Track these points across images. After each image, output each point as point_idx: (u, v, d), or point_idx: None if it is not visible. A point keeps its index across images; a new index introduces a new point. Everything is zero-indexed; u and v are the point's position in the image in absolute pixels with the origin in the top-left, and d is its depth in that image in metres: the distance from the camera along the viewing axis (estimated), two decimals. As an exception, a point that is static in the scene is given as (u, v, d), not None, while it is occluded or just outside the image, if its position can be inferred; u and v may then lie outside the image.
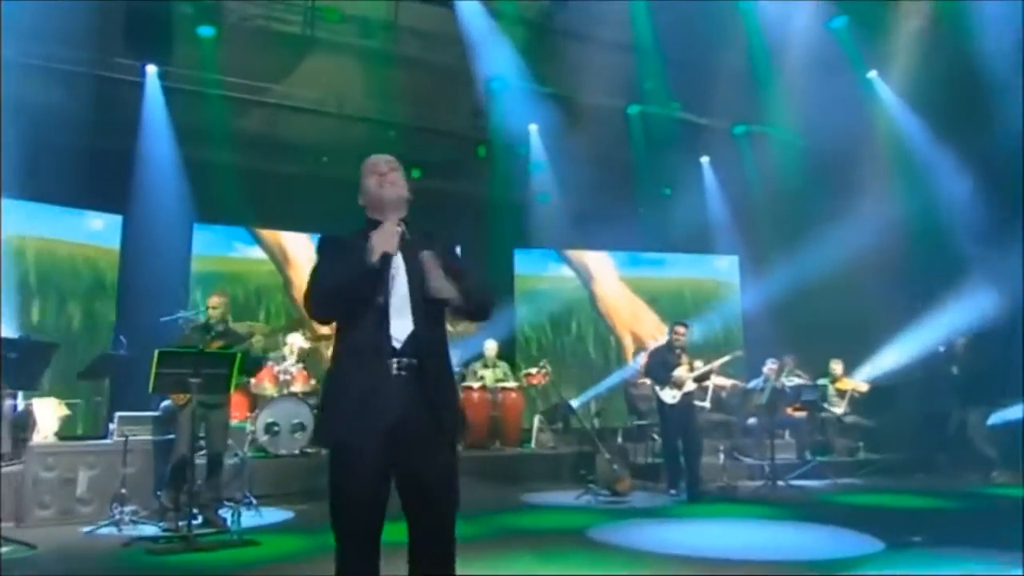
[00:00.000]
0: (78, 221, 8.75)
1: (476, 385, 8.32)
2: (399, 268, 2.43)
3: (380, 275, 2.37)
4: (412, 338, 2.37)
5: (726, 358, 7.57)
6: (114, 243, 8.94)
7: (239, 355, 5.24)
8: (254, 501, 6.25)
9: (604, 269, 11.34)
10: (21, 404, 6.47)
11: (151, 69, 8.33)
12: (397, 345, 2.35)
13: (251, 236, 9.89)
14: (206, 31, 8.45)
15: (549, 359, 8.79)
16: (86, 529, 5.43)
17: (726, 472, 7.73)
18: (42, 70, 7.60)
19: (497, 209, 10.25)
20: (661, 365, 7.22)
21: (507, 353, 9.65)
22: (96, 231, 8.92)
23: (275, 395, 7.29)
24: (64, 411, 6.55)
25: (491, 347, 8.80)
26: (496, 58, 9.24)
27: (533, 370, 8.50)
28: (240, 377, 6.81)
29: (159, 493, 5.80)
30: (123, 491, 5.69)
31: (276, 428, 7.00)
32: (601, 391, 10.18)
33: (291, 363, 7.59)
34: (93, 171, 8.07)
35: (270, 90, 9.16)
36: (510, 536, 5.38)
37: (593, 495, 6.96)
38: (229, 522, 5.35)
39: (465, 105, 9.87)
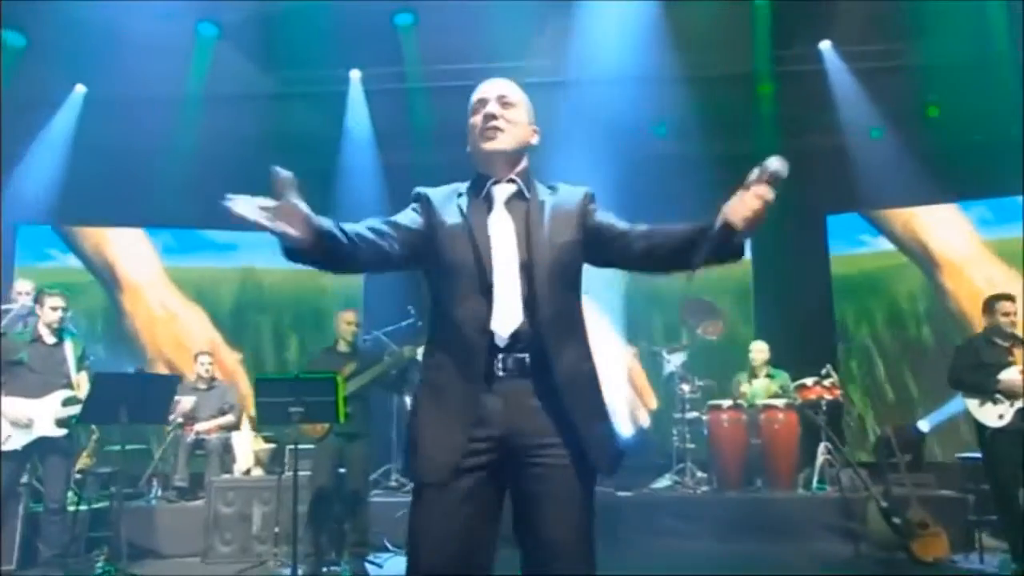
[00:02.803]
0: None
1: (725, 404, 7.19)
2: (507, 236, 2.14)
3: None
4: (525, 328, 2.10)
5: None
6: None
7: (338, 378, 5.24)
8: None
9: (954, 232, 8.99)
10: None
11: (355, 75, 8.97)
12: (500, 342, 2.08)
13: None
14: (404, 19, 8.85)
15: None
16: (239, 568, 5.94)
17: None
18: (249, 98, 8.73)
19: (795, 162, 8.85)
20: (974, 367, 5.35)
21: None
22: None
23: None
24: (261, 444, 7.32)
25: (759, 351, 7.55)
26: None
27: (809, 381, 7.04)
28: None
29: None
30: (276, 530, 6.15)
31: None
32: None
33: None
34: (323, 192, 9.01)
35: (484, 71, 9.22)
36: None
37: (872, 559, 5.50)
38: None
39: (735, 36, 8.75)
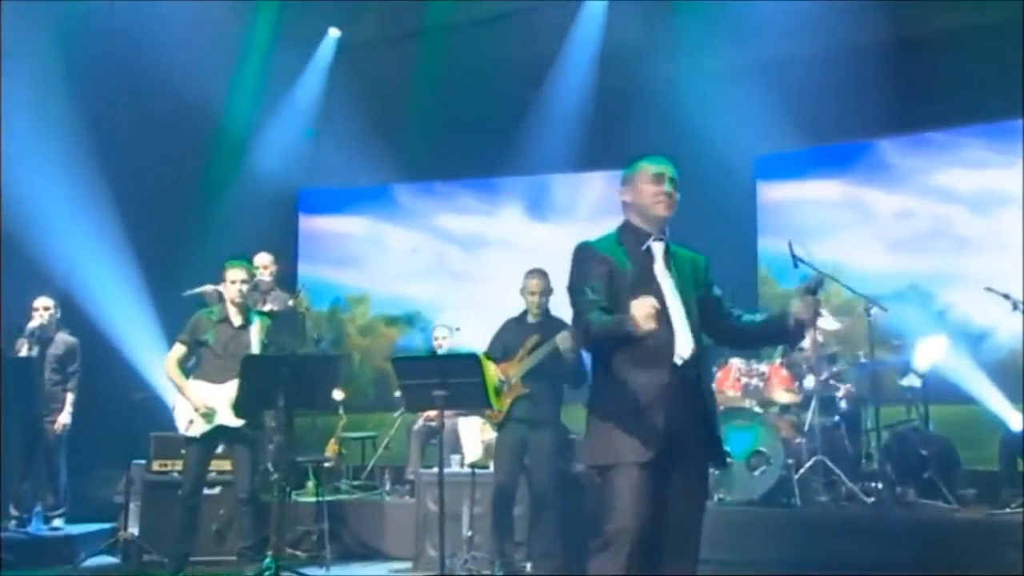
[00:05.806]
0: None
1: None
2: (671, 284, 3.16)
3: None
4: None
5: None
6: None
7: (481, 357, 4.82)
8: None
9: None
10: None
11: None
12: (679, 361, 3.10)
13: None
14: None
15: None
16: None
17: None
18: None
19: None
20: None
21: None
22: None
23: (734, 407, 6.51)
24: (490, 433, 6.97)
25: None
26: None
27: None
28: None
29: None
30: (469, 533, 5.84)
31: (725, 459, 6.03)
32: None
33: (769, 360, 6.63)
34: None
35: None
36: None
37: None
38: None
39: None
